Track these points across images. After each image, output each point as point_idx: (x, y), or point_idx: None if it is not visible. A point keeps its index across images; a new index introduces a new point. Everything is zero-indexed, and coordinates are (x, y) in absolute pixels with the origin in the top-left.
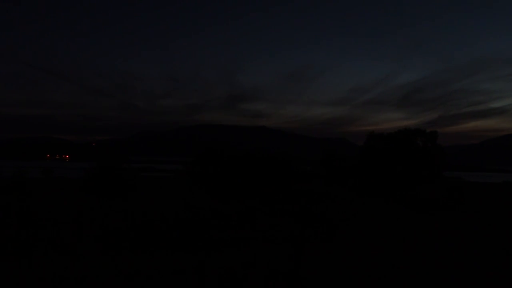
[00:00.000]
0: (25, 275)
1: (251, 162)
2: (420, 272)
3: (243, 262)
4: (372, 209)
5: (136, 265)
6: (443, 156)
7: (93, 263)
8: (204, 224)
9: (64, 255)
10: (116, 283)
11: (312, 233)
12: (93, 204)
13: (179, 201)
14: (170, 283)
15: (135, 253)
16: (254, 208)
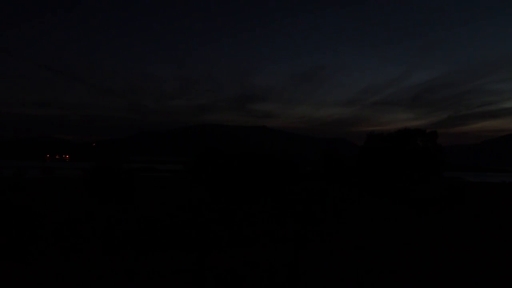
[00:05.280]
0: (25, 275)
1: (248, 161)
2: (421, 272)
3: (244, 262)
4: (372, 209)
5: (136, 265)
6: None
7: (93, 263)
8: (204, 224)
9: (64, 255)
10: (116, 283)
11: (312, 232)
12: (93, 205)
13: (179, 201)
14: (171, 283)
15: (135, 253)
16: (254, 207)
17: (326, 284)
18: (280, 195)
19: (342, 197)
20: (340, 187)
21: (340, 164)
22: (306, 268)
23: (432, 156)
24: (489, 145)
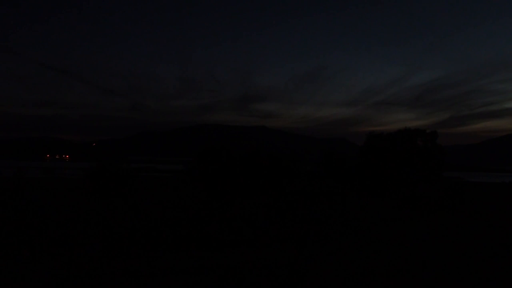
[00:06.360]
0: (25, 275)
1: (249, 161)
2: (421, 272)
3: (244, 262)
4: (372, 209)
5: (136, 264)
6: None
7: (93, 262)
8: (204, 223)
9: (64, 255)
10: (116, 283)
11: (312, 232)
12: (93, 204)
13: (179, 201)
14: (171, 282)
15: (135, 252)
16: (254, 207)
17: (327, 284)
18: (280, 195)
19: (342, 197)
20: (340, 187)
21: (340, 164)
22: (307, 267)
23: (432, 156)
24: (489, 145)
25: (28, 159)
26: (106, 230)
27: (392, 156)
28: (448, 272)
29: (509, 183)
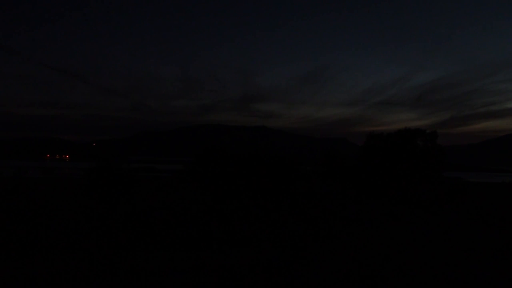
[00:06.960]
0: (25, 275)
1: (249, 161)
2: (421, 272)
3: (244, 262)
4: (371, 209)
5: (136, 264)
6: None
7: (93, 262)
8: (204, 223)
9: (64, 255)
10: (116, 283)
11: (312, 232)
12: (93, 204)
13: (179, 200)
14: (171, 282)
15: (135, 252)
16: (254, 207)
17: (327, 284)
18: (279, 195)
19: (342, 197)
20: (339, 187)
21: (340, 164)
22: (306, 268)
23: (432, 156)
24: (489, 145)
25: (28, 159)
26: (106, 230)
27: (392, 156)
28: (449, 272)
29: (509, 183)
